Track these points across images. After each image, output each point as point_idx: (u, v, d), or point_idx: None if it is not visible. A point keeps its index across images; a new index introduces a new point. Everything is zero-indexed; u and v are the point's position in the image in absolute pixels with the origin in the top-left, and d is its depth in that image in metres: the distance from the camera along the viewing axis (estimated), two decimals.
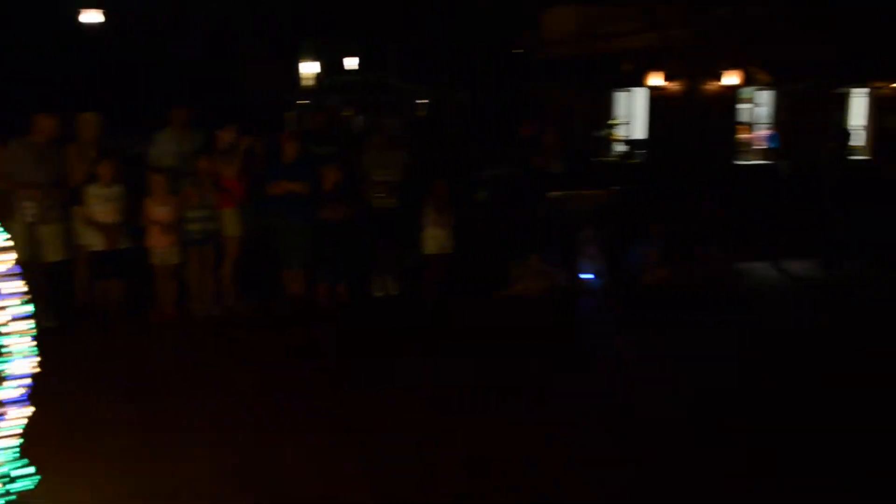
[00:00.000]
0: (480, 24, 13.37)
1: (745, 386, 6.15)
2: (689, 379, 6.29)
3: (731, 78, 12.21)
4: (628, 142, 14.26)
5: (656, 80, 12.46)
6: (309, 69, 17.99)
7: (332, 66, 19.76)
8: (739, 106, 13.56)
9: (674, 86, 12.41)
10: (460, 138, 12.75)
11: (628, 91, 14.85)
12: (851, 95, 14.51)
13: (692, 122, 12.29)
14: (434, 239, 8.53)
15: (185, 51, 15.13)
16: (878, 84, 13.77)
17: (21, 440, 3.73)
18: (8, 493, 3.69)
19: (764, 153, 13.84)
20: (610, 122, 15.01)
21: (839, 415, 5.53)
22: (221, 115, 8.66)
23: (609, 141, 14.87)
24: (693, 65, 12.13)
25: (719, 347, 7.26)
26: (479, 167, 11.81)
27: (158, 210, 7.40)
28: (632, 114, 14.99)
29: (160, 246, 7.41)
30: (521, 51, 14.83)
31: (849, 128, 13.61)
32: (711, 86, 12.26)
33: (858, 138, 13.93)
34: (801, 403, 5.76)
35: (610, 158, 14.33)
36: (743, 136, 13.94)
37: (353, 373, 6.28)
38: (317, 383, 6.00)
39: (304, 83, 17.78)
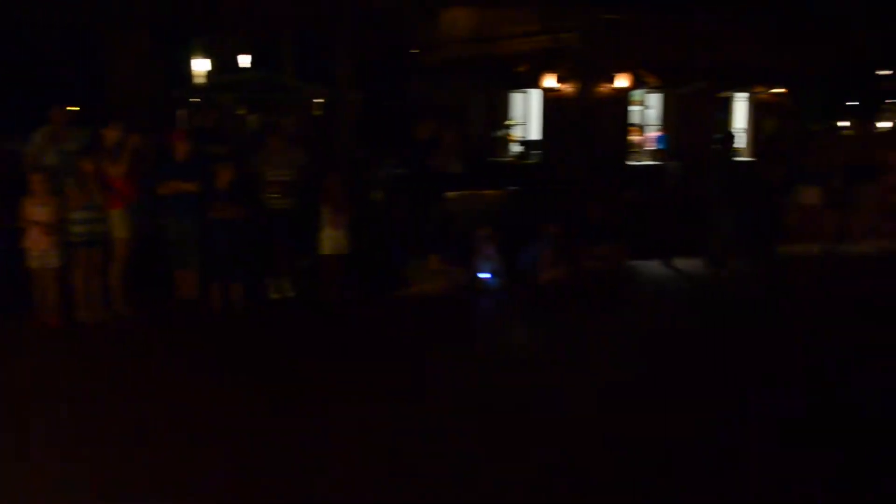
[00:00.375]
0: (375, 22, 13.36)
1: (633, 381, 6.37)
2: (580, 375, 6.48)
3: (621, 81, 12.60)
4: (524, 142, 14.51)
5: (550, 82, 12.74)
6: (200, 66, 17.55)
7: (225, 64, 19.31)
8: (630, 108, 14.00)
9: (567, 88, 12.72)
10: (356, 138, 12.70)
11: (524, 92, 15.12)
12: (734, 99, 15.21)
13: (585, 123, 12.62)
14: (330, 239, 8.48)
15: (55, 46, 14.54)
16: (757, 89, 14.51)
17: None
18: None
19: (654, 154, 14.35)
20: (506, 122, 15.23)
21: (730, 408, 5.80)
22: (102, 113, 8.40)
23: (506, 141, 15.09)
24: (585, 67, 12.47)
25: (610, 344, 7.49)
26: (376, 167, 11.79)
27: (38, 210, 7.10)
28: (528, 115, 15.27)
29: (39, 248, 7.10)
30: (418, 51, 14.90)
31: (732, 130, 14.27)
32: (603, 88, 12.62)
33: (741, 140, 14.61)
34: (689, 399, 6.01)
35: (507, 159, 14.54)
36: (634, 137, 14.41)
37: (244, 376, 6.18)
38: (206, 389, 5.88)
39: (195, 80, 17.33)
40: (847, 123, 26.36)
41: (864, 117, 24.31)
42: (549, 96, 13.03)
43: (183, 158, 7.86)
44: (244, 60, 19.81)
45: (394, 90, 15.39)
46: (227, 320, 7.76)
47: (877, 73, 29.49)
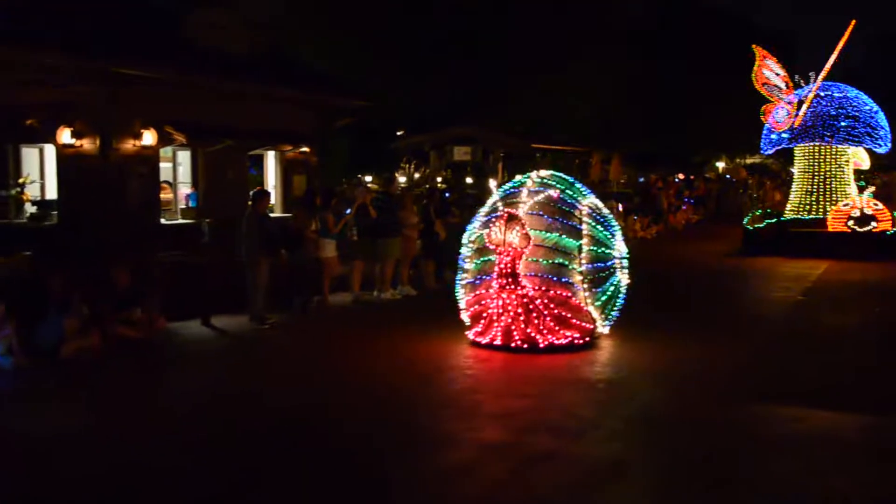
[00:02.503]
0: None
1: (177, 449, 6.34)
2: (108, 451, 6.28)
3: (147, 137, 12.44)
4: (41, 202, 13.53)
5: (68, 136, 12.10)
6: None
7: None
8: (160, 165, 13.83)
9: (88, 143, 12.19)
10: None
11: (39, 147, 14.12)
12: (266, 157, 15.93)
13: (110, 180, 12.20)
14: None
15: None
16: (284, 147, 15.43)
17: None
18: None
19: (187, 212, 14.33)
20: (21, 180, 14.03)
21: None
22: None
23: (20, 202, 13.89)
24: (104, 122, 12.08)
25: (148, 413, 7.33)
26: None
27: None
28: (46, 172, 14.27)
29: None
30: None
31: (266, 187, 14.93)
32: (127, 144, 12.36)
33: (274, 196, 15.31)
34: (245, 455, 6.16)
35: (21, 221, 13.39)
36: (165, 195, 14.25)
37: None
38: None
39: None
40: (369, 178, 29.29)
41: (387, 174, 27.12)
42: (66, 152, 12.34)
43: None
44: None
45: None
46: None
47: (397, 133, 33.32)
